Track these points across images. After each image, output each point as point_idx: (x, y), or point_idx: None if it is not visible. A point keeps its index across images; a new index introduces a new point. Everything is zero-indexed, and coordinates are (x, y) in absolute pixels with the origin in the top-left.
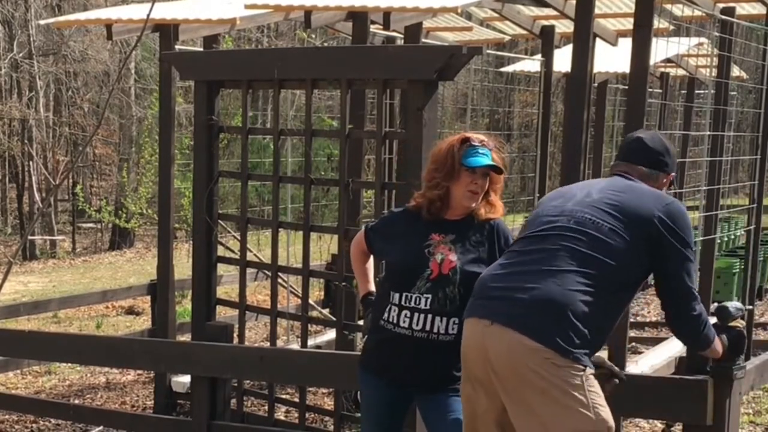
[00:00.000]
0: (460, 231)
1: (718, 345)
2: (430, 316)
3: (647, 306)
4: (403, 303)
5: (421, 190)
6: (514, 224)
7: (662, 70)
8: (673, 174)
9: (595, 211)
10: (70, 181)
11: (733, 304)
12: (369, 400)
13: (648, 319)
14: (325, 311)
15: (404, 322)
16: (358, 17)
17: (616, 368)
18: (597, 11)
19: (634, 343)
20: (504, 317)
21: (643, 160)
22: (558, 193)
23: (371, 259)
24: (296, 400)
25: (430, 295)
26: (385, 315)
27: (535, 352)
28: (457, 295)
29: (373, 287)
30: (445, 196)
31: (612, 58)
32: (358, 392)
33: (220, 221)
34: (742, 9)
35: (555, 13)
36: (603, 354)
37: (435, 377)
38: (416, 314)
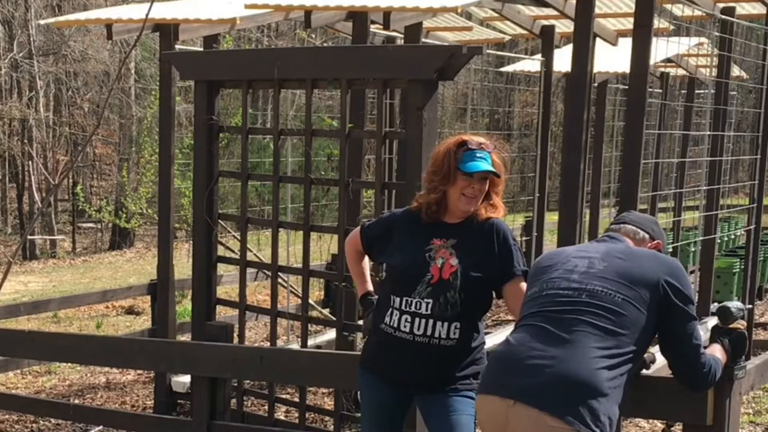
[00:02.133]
0: (461, 235)
1: (723, 358)
2: (431, 321)
3: None
4: (403, 307)
5: (421, 191)
6: (513, 224)
7: (662, 70)
8: (661, 243)
9: (605, 282)
10: (70, 180)
11: (735, 305)
12: (369, 400)
13: None
14: (325, 311)
15: (405, 326)
16: (358, 17)
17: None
18: (597, 11)
19: None
20: (527, 396)
21: (630, 221)
22: (554, 259)
23: (366, 257)
24: (296, 400)
25: (431, 300)
26: (386, 318)
27: (558, 431)
28: (458, 300)
29: (371, 286)
30: (442, 200)
31: (612, 58)
32: (358, 392)
33: (220, 221)
34: (742, 9)
35: (555, 13)
36: None
37: (435, 379)
38: (417, 319)
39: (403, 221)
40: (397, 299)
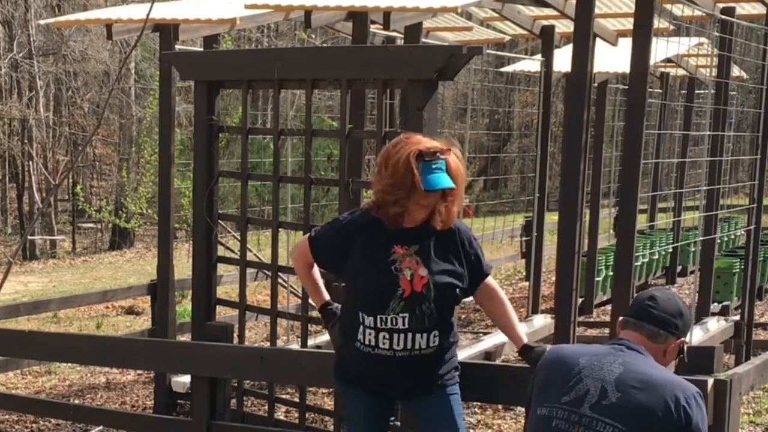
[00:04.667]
0: (423, 240)
1: None
2: (410, 335)
3: None
4: (379, 325)
5: (374, 197)
6: (514, 224)
7: (662, 70)
8: (684, 339)
9: (616, 421)
10: (70, 180)
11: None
12: (353, 410)
13: None
14: None
15: (384, 343)
16: (358, 17)
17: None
18: (597, 11)
19: None
20: None
21: (652, 320)
22: (566, 373)
23: (316, 266)
24: (296, 400)
25: (407, 314)
26: (360, 337)
27: None
28: (434, 310)
29: (328, 296)
30: (405, 212)
31: (612, 58)
32: (343, 406)
33: (220, 221)
34: (742, 9)
35: (555, 13)
36: None
37: (419, 384)
38: (395, 335)
39: (358, 228)
40: (370, 318)
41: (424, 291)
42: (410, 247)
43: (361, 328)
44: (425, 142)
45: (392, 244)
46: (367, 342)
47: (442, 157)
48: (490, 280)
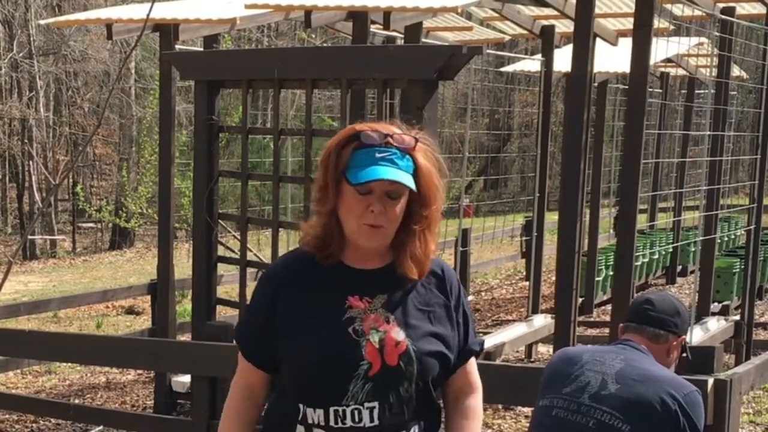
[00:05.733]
0: (391, 287)
1: None
2: None
3: None
4: (332, 423)
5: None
6: (514, 223)
7: (662, 70)
8: (685, 337)
9: (614, 409)
10: (70, 180)
11: None
12: None
13: None
14: None
15: None
16: (358, 17)
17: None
18: (597, 11)
19: None
20: None
21: (651, 322)
22: (569, 368)
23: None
24: None
25: (375, 403)
26: None
27: None
28: (413, 394)
29: None
30: (332, 232)
31: (612, 58)
32: None
33: (220, 221)
34: (742, 9)
35: (555, 12)
36: None
37: None
38: None
39: (292, 279)
40: (320, 412)
41: (401, 364)
42: (374, 298)
43: (302, 428)
44: (374, 124)
45: (345, 295)
46: None
47: (396, 145)
48: (474, 365)
